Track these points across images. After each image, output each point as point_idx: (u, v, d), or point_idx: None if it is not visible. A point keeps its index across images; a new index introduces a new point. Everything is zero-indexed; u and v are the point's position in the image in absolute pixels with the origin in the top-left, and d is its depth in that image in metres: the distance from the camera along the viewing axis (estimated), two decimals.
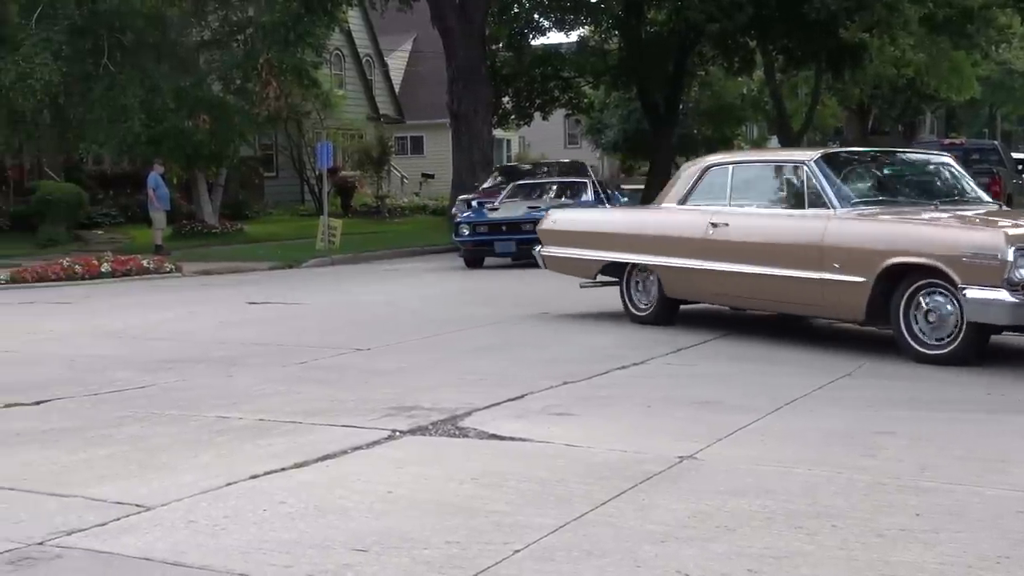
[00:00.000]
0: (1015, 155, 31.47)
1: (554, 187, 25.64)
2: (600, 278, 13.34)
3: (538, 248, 14.15)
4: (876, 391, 8.50)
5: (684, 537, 4.96)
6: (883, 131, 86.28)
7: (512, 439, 6.96)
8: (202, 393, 8.86)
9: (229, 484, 5.93)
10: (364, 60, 50.24)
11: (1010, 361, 9.92)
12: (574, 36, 47.76)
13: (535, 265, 14.41)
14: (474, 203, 24.31)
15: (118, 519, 5.34)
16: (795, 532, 5.01)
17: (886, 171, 12.06)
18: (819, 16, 32.85)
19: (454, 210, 25.70)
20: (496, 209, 22.52)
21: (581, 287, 13.66)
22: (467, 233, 21.93)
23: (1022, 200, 25.53)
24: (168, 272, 22.04)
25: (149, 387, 9.15)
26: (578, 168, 28.41)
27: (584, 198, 24.11)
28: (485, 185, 28.49)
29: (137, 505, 5.56)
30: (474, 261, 22.42)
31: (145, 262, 22.18)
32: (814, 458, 6.34)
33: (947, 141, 36.95)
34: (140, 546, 4.93)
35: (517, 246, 20.86)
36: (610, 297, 13.57)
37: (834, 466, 6.15)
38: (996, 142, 36.79)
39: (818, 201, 10.62)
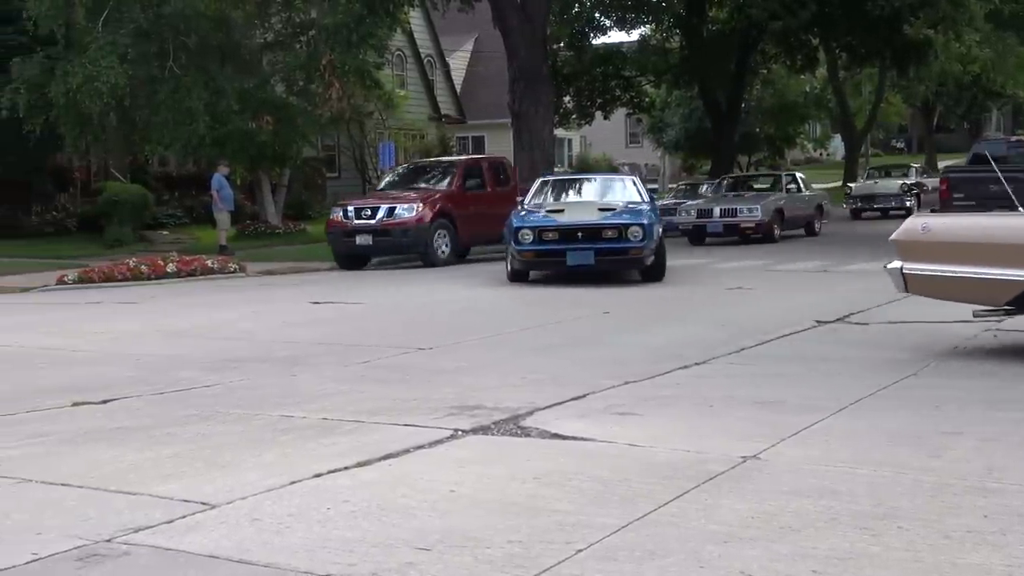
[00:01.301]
0: None
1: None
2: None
3: (897, 265, 10.31)
4: (943, 391, 8.40)
5: (747, 538, 4.93)
6: (948, 128, 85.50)
7: (574, 439, 6.95)
8: (266, 392, 8.91)
9: (293, 483, 5.96)
10: (425, 60, 50.39)
11: None
12: (635, 35, 47.83)
13: (598, 280, 14.21)
14: (525, 205, 20.21)
15: (184, 517, 5.38)
16: (860, 533, 4.96)
17: None
18: (883, 13, 32.61)
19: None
20: (559, 211, 18.74)
21: (975, 316, 10.47)
22: (529, 240, 17.84)
23: None
24: (232, 272, 22.23)
25: (214, 386, 9.22)
26: (497, 165, 27.05)
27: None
28: (380, 186, 27.36)
29: (202, 503, 5.60)
30: (522, 274, 18.77)
31: (209, 262, 22.38)
32: (879, 459, 6.28)
33: (1014, 139, 36.45)
34: (206, 544, 4.97)
35: (596, 257, 17.59)
36: (665, 295, 13.51)
37: (899, 467, 6.09)
38: None
39: None
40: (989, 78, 58.93)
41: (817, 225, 31.77)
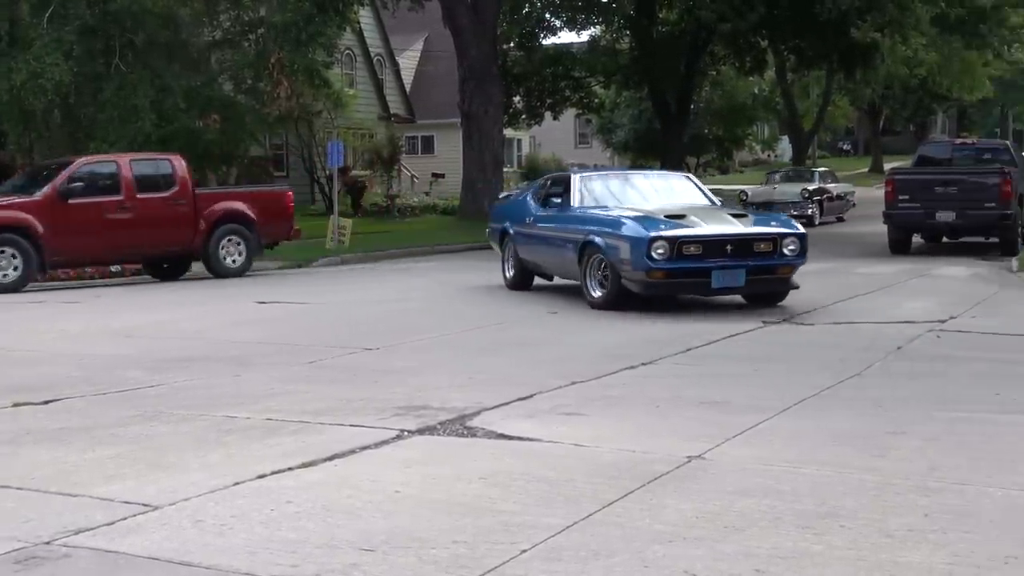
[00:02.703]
0: None
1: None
2: None
3: None
4: (886, 391, 8.47)
5: (692, 537, 4.95)
6: (895, 131, 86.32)
7: (521, 439, 6.95)
8: (211, 392, 8.85)
9: (236, 484, 5.92)
10: (375, 60, 50.28)
11: (1020, 363, 9.89)
12: (585, 36, 47.85)
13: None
14: (621, 211, 14.88)
15: (125, 518, 5.33)
16: (803, 532, 4.99)
17: None
18: (830, 16, 32.87)
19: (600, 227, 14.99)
20: (679, 216, 14.04)
21: None
22: (664, 255, 13.22)
23: None
24: None
25: (158, 386, 9.15)
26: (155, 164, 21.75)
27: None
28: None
29: (144, 504, 5.55)
30: (663, 296, 14.09)
31: None
32: (823, 458, 6.32)
33: (959, 141, 36.82)
34: (147, 545, 4.93)
35: (747, 277, 13.60)
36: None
37: (843, 466, 6.13)
38: (1007, 142, 36.65)
39: None
40: (935, 81, 59.55)
41: None
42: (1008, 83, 77.24)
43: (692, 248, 13.36)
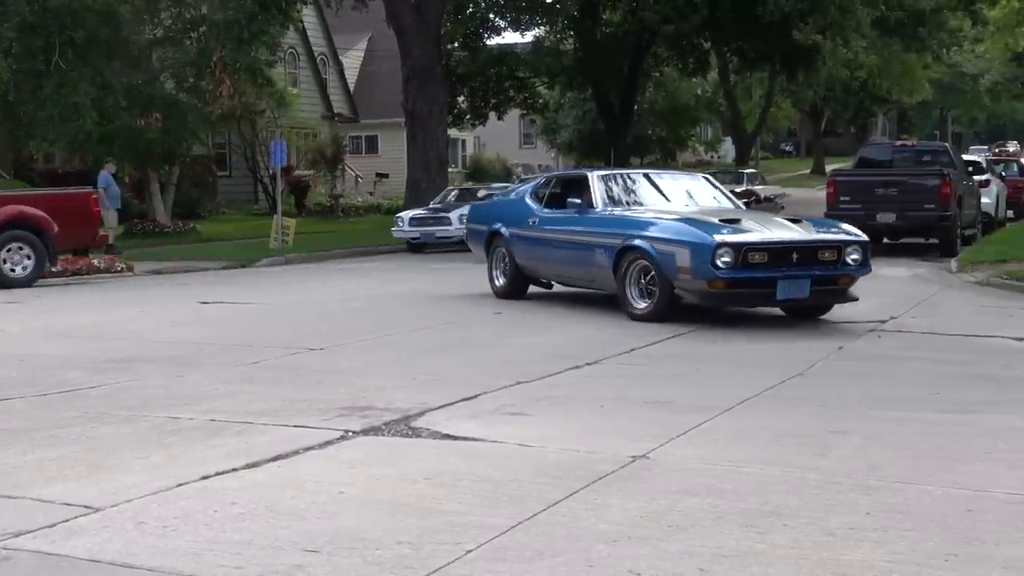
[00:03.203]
0: (965, 157, 31.72)
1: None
2: None
3: None
4: (829, 390, 8.54)
5: (636, 536, 4.97)
6: (836, 132, 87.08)
7: (466, 439, 6.95)
8: (153, 393, 8.78)
9: (180, 485, 5.88)
10: (319, 59, 50.09)
11: (958, 363, 10.01)
12: (529, 36, 47.88)
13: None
14: (668, 213, 13.73)
15: (67, 521, 5.27)
16: (746, 531, 5.02)
17: None
18: (773, 18, 33.11)
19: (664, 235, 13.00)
20: (733, 220, 12.88)
21: None
22: (729, 263, 12.00)
23: (971, 201, 25.75)
24: (119, 271, 21.86)
25: (100, 387, 9.06)
26: None
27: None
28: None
29: (86, 506, 5.50)
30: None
31: (96, 261, 21.98)
32: (766, 457, 6.36)
33: (898, 143, 37.20)
34: (89, 548, 4.88)
35: (811, 287, 12.43)
36: (559, 296, 13.59)
37: (786, 465, 6.18)
38: (947, 144, 37.07)
39: None
40: (875, 84, 60.13)
41: None
42: (947, 86, 78.28)
43: (757, 256, 12.17)
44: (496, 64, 43.25)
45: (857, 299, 12.89)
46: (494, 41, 44.63)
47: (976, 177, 28.18)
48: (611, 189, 14.65)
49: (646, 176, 15.65)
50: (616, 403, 8.11)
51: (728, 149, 72.12)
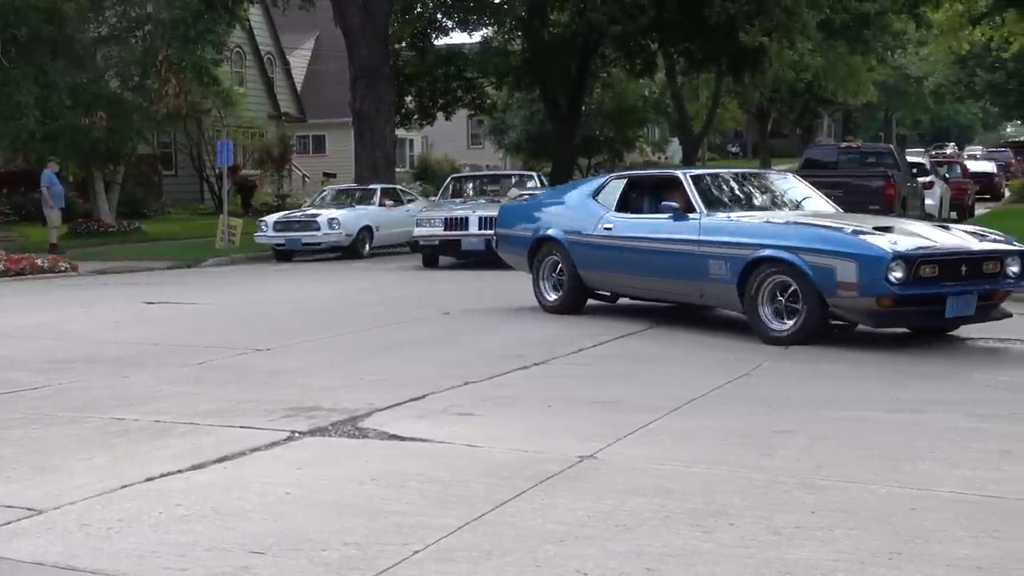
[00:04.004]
0: (909, 159, 32.03)
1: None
2: None
3: None
4: (774, 391, 8.59)
5: (584, 536, 4.97)
6: (782, 134, 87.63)
7: (413, 439, 6.93)
8: (97, 394, 8.70)
9: (124, 487, 5.83)
10: (265, 58, 49.84)
11: (907, 362, 10.09)
12: (477, 36, 47.83)
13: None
14: (810, 219, 12.09)
15: (9, 523, 5.22)
16: (693, 531, 5.04)
17: None
18: (719, 20, 33.27)
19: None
20: (886, 228, 11.20)
21: None
22: (901, 277, 10.37)
23: (915, 203, 25.99)
24: (63, 271, 21.67)
25: (42, 388, 8.98)
26: None
27: None
28: None
29: (29, 508, 5.44)
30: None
31: (39, 261, 21.81)
32: (712, 457, 6.39)
33: (844, 144, 37.51)
34: (32, 550, 4.83)
35: (977, 302, 10.93)
36: (511, 295, 13.58)
37: (732, 465, 6.21)
38: (891, 145, 37.42)
39: None
40: (821, 85, 60.54)
41: None
42: (892, 88, 79.00)
43: (928, 269, 10.57)
44: (444, 64, 43.17)
45: (1011, 315, 11.46)
46: (442, 41, 44.54)
47: (920, 179, 28.47)
48: (710, 191, 12.84)
49: (738, 176, 13.93)
50: (564, 403, 8.12)
51: (675, 150, 72.40)
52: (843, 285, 10.59)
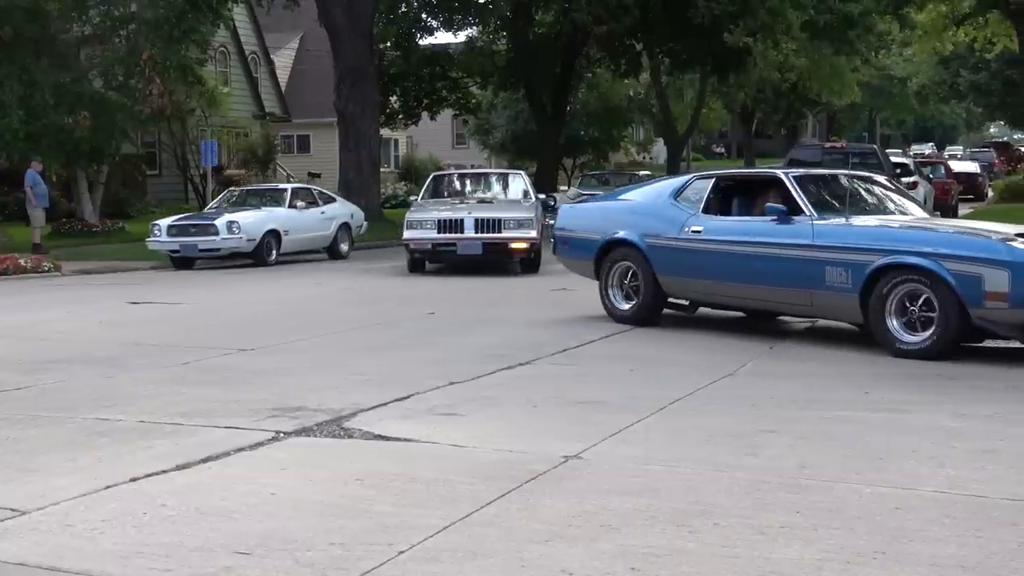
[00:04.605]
0: (893, 159, 32.12)
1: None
2: None
3: None
4: (759, 390, 8.60)
5: (569, 536, 4.98)
6: (767, 134, 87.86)
7: (398, 440, 6.93)
8: (81, 395, 8.68)
9: (108, 487, 5.81)
10: (250, 58, 49.74)
11: (890, 362, 10.11)
12: (462, 36, 47.82)
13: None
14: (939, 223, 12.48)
15: None
16: (678, 530, 5.05)
17: None
18: (703, 20, 33.36)
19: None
20: (979, 233, 10.58)
21: None
22: None
23: None
24: (46, 271, 21.60)
25: (26, 388, 8.94)
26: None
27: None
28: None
29: (12, 509, 5.43)
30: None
31: (23, 261, 21.73)
32: (697, 457, 6.40)
33: (828, 144, 37.58)
34: (15, 552, 4.82)
35: None
36: (496, 296, 13.57)
37: (717, 465, 6.22)
38: (875, 146, 37.54)
39: None
40: (805, 86, 60.71)
41: None
42: (876, 89, 79.25)
43: None
44: (429, 64, 43.22)
45: None
46: (427, 41, 44.57)
47: (904, 179, 28.52)
48: (816, 192, 11.87)
49: (837, 177, 12.93)
50: (549, 403, 8.13)
51: (660, 150, 72.49)
52: (991, 295, 9.78)
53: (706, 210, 12.36)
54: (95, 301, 16.48)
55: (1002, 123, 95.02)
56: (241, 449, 6.67)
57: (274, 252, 23.45)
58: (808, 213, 11.25)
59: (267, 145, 44.52)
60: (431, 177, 24.51)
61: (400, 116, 45.01)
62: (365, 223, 27.52)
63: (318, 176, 48.03)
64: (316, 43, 45.56)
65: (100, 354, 10.83)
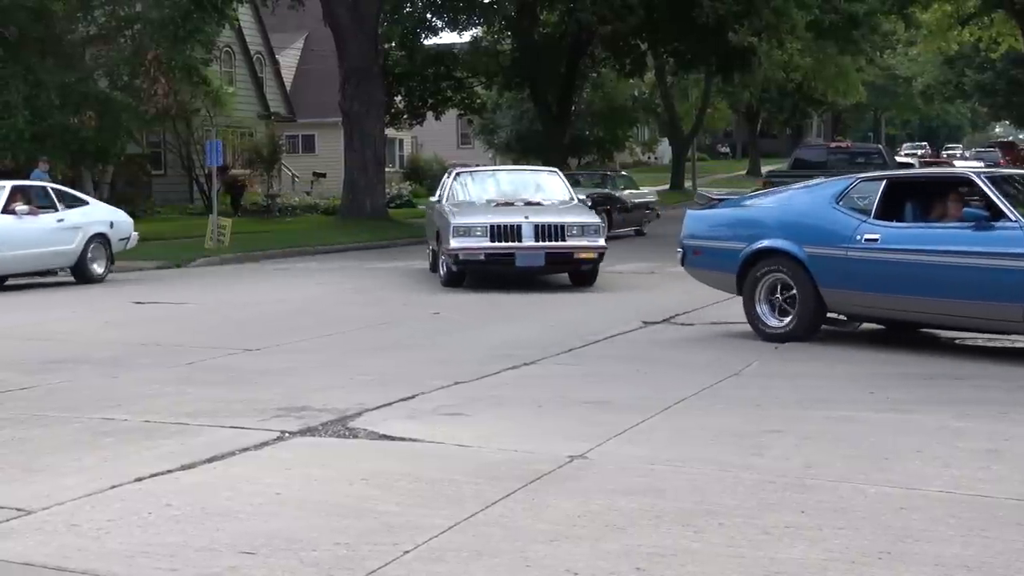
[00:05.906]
0: (898, 158, 32.11)
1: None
2: None
3: None
4: (764, 391, 8.60)
5: (574, 536, 4.98)
6: (772, 134, 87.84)
7: (403, 439, 6.93)
8: (86, 394, 8.69)
9: (114, 487, 5.82)
10: (255, 58, 49.73)
11: (895, 363, 10.11)
12: (467, 36, 47.81)
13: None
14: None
15: None
16: (683, 530, 5.05)
17: None
18: (708, 20, 33.34)
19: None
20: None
21: None
22: None
23: None
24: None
25: (31, 388, 8.95)
26: None
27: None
28: None
29: (18, 509, 5.43)
30: None
31: None
32: (703, 457, 6.40)
33: (833, 144, 37.60)
34: (21, 551, 4.82)
35: None
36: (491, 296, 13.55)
37: (722, 465, 6.22)
38: (880, 145, 37.57)
39: None
40: (810, 85, 60.78)
41: None
42: (881, 88, 79.26)
43: None
44: (434, 64, 43.19)
45: None
46: (431, 41, 44.57)
47: None
48: (1015, 195, 10.55)
49: (1013, 176, 11.79)
50: (554, 403, 8.13)
51: (665, 150, 72.47)
52: None
53: (878, 216, 10.95)
54: (100, 300, 16.50)
55: (1007, 123, 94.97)
56: (246, 449, 6.68)
57: None
58: (1015, 219, 9.96)
59: (272, 145, 44.51)
60: (452, 174, 20.59)
61: (405, 116, 44.99)
62: (135, 235, 21.46)
63: (323, 176, 48.07)
64: (321, 43, 45.56)
65: (105, 354, 10.84)
